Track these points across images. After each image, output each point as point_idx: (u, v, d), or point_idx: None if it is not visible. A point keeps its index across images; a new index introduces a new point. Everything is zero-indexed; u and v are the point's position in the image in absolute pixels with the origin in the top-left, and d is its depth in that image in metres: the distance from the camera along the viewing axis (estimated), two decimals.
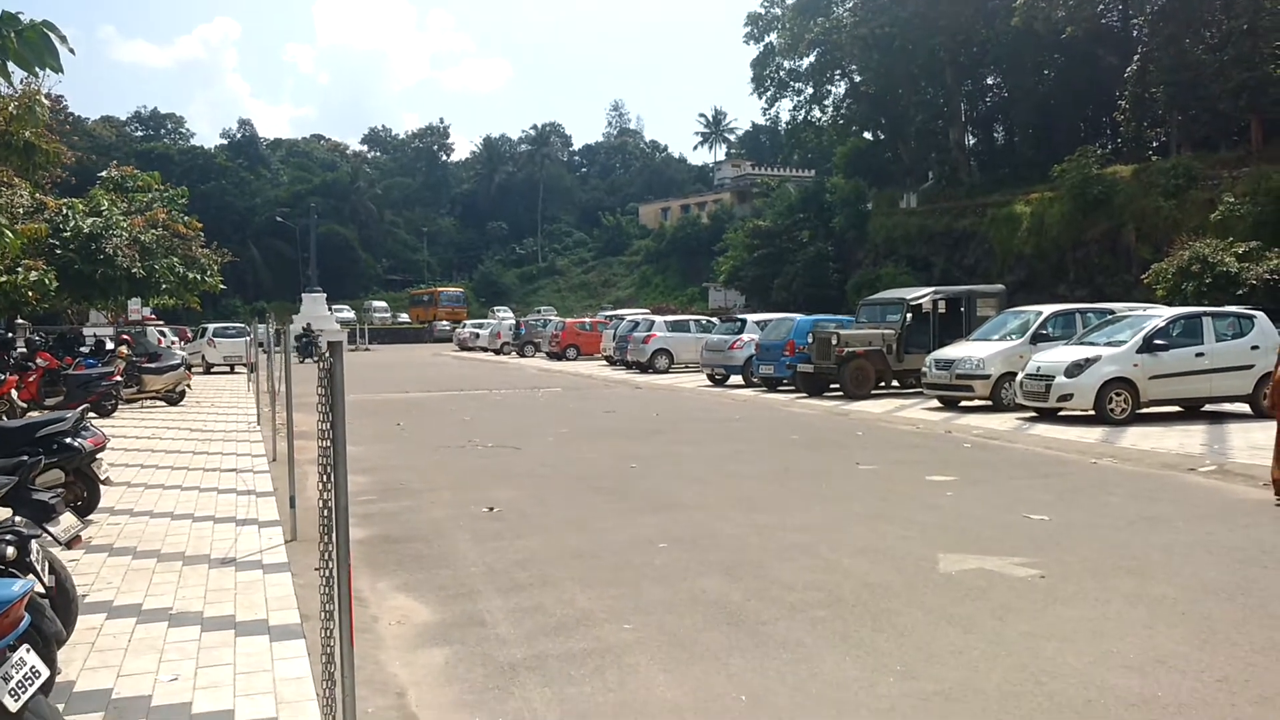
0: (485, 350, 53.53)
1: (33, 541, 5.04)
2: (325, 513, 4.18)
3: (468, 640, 6.17)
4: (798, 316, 26.93)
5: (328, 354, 4.04)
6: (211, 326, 41.78)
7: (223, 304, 67.31)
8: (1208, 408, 17.49)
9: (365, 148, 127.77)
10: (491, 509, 10.28)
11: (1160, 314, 17.86)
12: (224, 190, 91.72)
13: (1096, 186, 39.80)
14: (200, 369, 38.29)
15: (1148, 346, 16.51)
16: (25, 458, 6.14)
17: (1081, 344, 17.64)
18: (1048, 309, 20.68)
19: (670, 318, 38.74)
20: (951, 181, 54.48)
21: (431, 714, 5.05)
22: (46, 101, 11.61)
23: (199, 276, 32.84)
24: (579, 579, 7.46)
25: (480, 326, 58.34)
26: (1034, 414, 17.49)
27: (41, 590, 4.97)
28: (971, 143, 59.14)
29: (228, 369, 39.37)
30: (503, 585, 7.37)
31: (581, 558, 8.16)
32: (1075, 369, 16.50)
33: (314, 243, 65.12)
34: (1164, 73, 39.12)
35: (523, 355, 47.44)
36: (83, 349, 23.88)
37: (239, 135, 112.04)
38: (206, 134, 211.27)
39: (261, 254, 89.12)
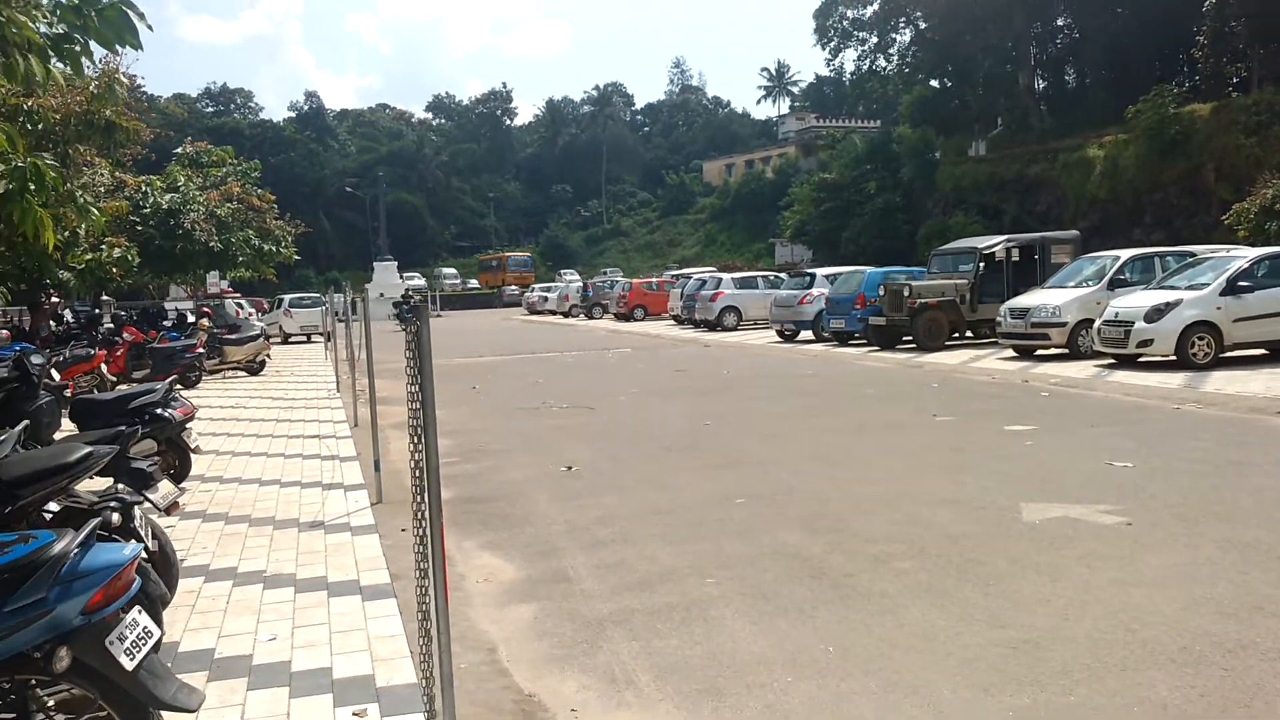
0: (554, 313, 53.84)
1: (136, 508, 5.22)
2: (417, 474, 4.26)
3: (554, 596, 6.28)
4: (868, 269, 26.61)
5: (413, 317, 4.11)
6: (288, 297, 42.49)
7: (297, 275, 68.38)
8: None
9: (430, 115, 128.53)
10: (569, 468, 10.39)
11: (1244, 255, 17.33)
12: (294, 162, 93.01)
13: (1174, 126, 38.56)
14: (278, 339, 38.97)
15: (1231, 289, 16.04)
16: (123, 428, 6.34)
17: (1161, 288, 17.20)
18: (1125, 253, 20.19)
19: (737, 275, 38.54)
20: (1021, 127, 53.17)
21: (524, 668, 5.16)
22: (125, 80, 11.84)
23: (274, 248, 33.44)
24: (659, 535, 7.53)
25: (548, 290, 58.66)
26: (1112, 361, 17.15)
27: (145, 555, 5.15)
28: (1041, 86, 57.61)
29: (304, 338, 40.06)
30: (585, 542, 7.47)
31: (660, 514, 8.22)
32: (1155, 314, 16.12)
33: (383, 211, 65.84)
34: (1245, 4, 37.66)
35: (591, 317, 47.64)
36: (165, 323, 24.52)
37: (306, 107, 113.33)
38: (274, 107, 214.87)
39: (332, 224, 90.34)
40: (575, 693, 4.82)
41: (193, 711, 3.65)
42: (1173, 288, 16.90)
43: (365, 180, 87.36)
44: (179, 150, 34.01)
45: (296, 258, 37.54)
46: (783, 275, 36.78)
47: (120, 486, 5.50)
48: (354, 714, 4.51)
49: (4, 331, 19.35)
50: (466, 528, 8.01)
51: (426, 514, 4.26)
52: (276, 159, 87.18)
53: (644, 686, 4.82)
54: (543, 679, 5.01)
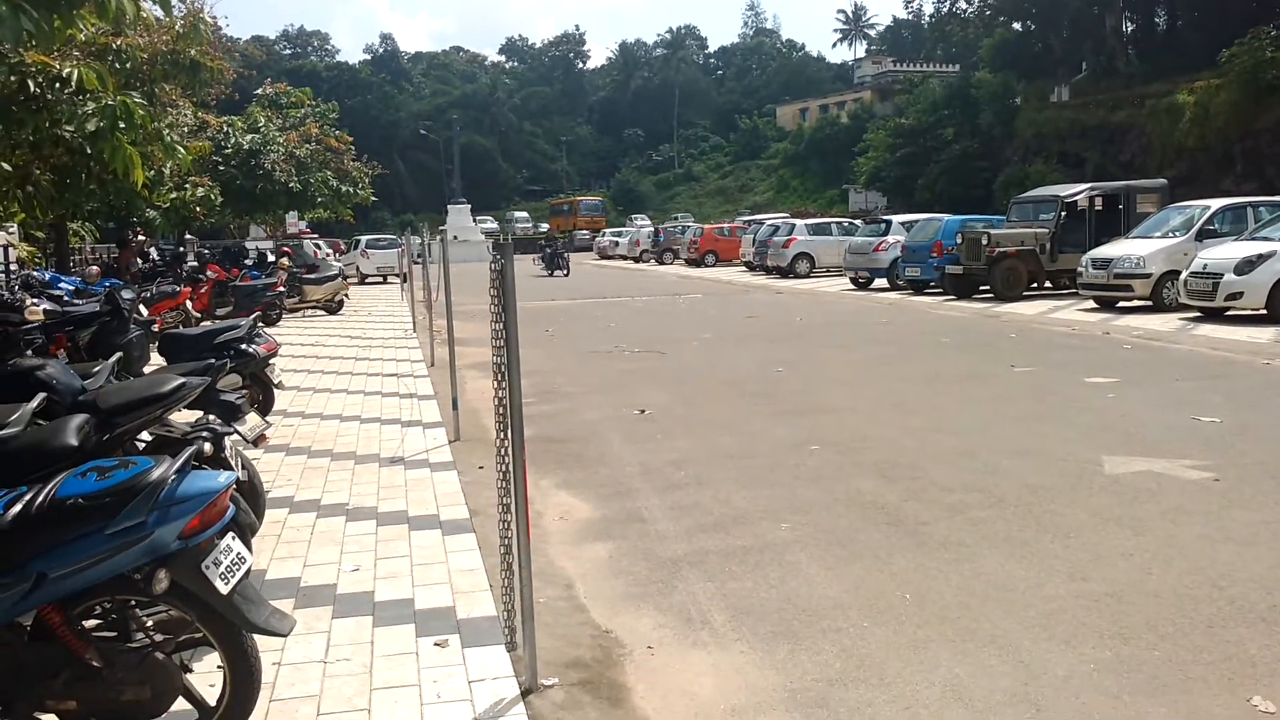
0: (625, 258, 53.81)
1: (226, 439, 5.35)
2: (500, 411, 4.31)
3: (629, 536, 6.34)
4: (945, 216, 26.15)
5: (499, 256, 4.13)
6: (364, 238, 42.98)
7: (373, 216, 69.15)
8: None
9: (502, 58, 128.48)
10: (643, 411, 10.43)
11: None
12: (369, 105, 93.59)
13: (1271, 71, 36.98)
14: (355, 280, 39.55)
15: None
16: (212, 361, 6.49)
17: (1253, 239, 16.67)
18: (1216, 203, 19.54)
19: (811, 221, 38.12)
20: (1107, 72, 51.45)
21: (600, 604, 5.23)
22: (209, 20, 11.97)
23: (351, 189, 33.80)
24: (733, 479, 7.54)
25: (619, 235, 58.61)
26: (1199, 314, 16.71)
27: (236, 485, 5.29)
28: (1129, 29, 55.56)
29: (381, 279, 40.55)
30: (659, 484, 7.51)
31: (733, 458, 8.23)
32: (1246, 266, 15.64)
33: (456, 154, 66.12)
34: None
35: (661, 262, 47.53)
36: (247, 261, 24.97)
37: (381, 50, 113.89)
38: (350, 50, 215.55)
39: (407, 167, 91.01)
40: (651, 630, 4.87)
41: (284, 636, 3.75)
42: (1265, 239, 16.37)
43: (439, 123, 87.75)
44: (259, 91, 34.40)
45: (373, 199, 37.94)
46: (857, 222, 36.28)
47: (211, 418, 5.63)
48: (435, 644, 4.61)
49: (95, 268, 19.89)
50: (543, 466, 8.10)
51: (510, 451, 4.31)
52: (353, 101, 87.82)
53: (719, 627, 4.86)
54: (619, 616, 5.07)
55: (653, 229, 54.96)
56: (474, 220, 62.41)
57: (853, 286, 27.69)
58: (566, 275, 38.73)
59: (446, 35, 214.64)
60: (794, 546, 5.96)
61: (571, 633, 4.86)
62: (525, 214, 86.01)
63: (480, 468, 7.80)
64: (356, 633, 4.76)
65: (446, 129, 76.04)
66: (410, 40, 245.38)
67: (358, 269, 40.11)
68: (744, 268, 38.60)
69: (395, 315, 23.94)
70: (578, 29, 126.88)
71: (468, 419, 9.45)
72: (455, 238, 45.65)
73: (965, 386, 11.46)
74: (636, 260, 51.43)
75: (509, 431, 4.28)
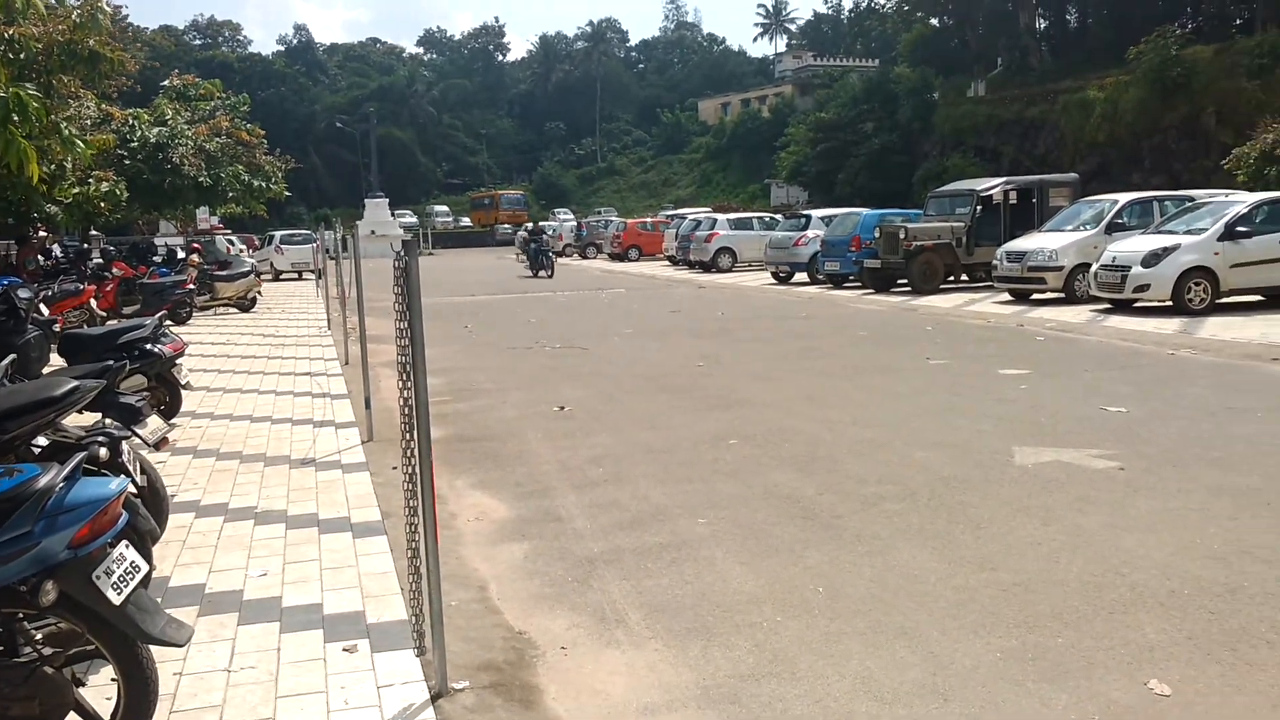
0: None
1: (123, 443, 5.17)
2: (406, 411, 4.23)
3: (545, 535, 6.27)
4: (864, 211, 26.47)
5: (403, 253, 4.05)
6: (279, 234, 42.18)
7: (288, 211, 67.94)
8: None
9: (421, 50, 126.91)
10: (562, 408, 10.36)
11: (1242, 200, 17.23)
12: (283, 97, 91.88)
13: (1175, 68, 38.20)
14: (269, 276, 38.92)
15: (1229, 234, 15.97)
16: (111, 363, 6.28)
17: (1159, 233, 17.13)
18: (1124, 197, 20.05)
19: (733, 215, 38.35)
20: (1021, 68, 52.69)
21: (514, 606, 5.16)
22: (108, 8, 11.59)
23: (264, 184, 33.12)
24: (652, 475, 7.52)
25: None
26: (1109, 305, 17.13)
27: (134, 490, 5.12)
28: (1042, 26, 57.01)
29: (295, 275, 39.86)
30: (577, 482, 7.46)
31: (653, 454, 8.21)
32: (1153, 258, 16.06)
33: (374, 148, 65.15)
34: None
35: (584, 257, 47.44)
36: (155, 258, 24.34)
37: (295, 41, 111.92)
38: (263, 40, 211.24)
39: (323, 161, 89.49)
40: (565, 630, 4.82)
41: (180, 646, 3.64)
42: (1170, 233, 16.84)
43: (355, 116, 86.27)
44: (166, 83, 33.52)
45: (287, 194, 37.25)
46: (778, 216, 36.58)
47: (108, 421, 5.45)
48: (344, 649, 4.52)
49: None
50: (458, 466, 8.00)
51: (416, 451, 4.23)
52: (265, 93, 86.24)
53: (634, 625, 4.83)
54: (533, 617, 5.01)
55: (576, 223, 54.79)
56: (393, 214, 61.58)
57: (774, 281, 27.90)
58: (550, 277, 33.34)
59: (362, 26, 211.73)
60: (710, 542, 5.96)
61: (484, 635, 4.79)
62: (445, 208, 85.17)
63: (394, 468, 7.63)
64: (263, 639, 4.64)
65: (363, 122, 74.86)
66: (325, 31, 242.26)
67: (272, 265, 39.40)
68: (667, 262, 38.69)
69: (310, 312, 23.52)
70: (497, 21, 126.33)
71: (381, 418, 9.29)
72: (372, 232, 45.12)
73: (883, 379, 11.59)
74: (559, 254, 51.26)
75: (415, 432, 4.20)
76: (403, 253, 4.06)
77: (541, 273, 33.92)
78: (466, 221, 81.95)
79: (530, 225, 43.43)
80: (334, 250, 17.70)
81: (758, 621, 4.79)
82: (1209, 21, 42.55)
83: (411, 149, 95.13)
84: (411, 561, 4.38)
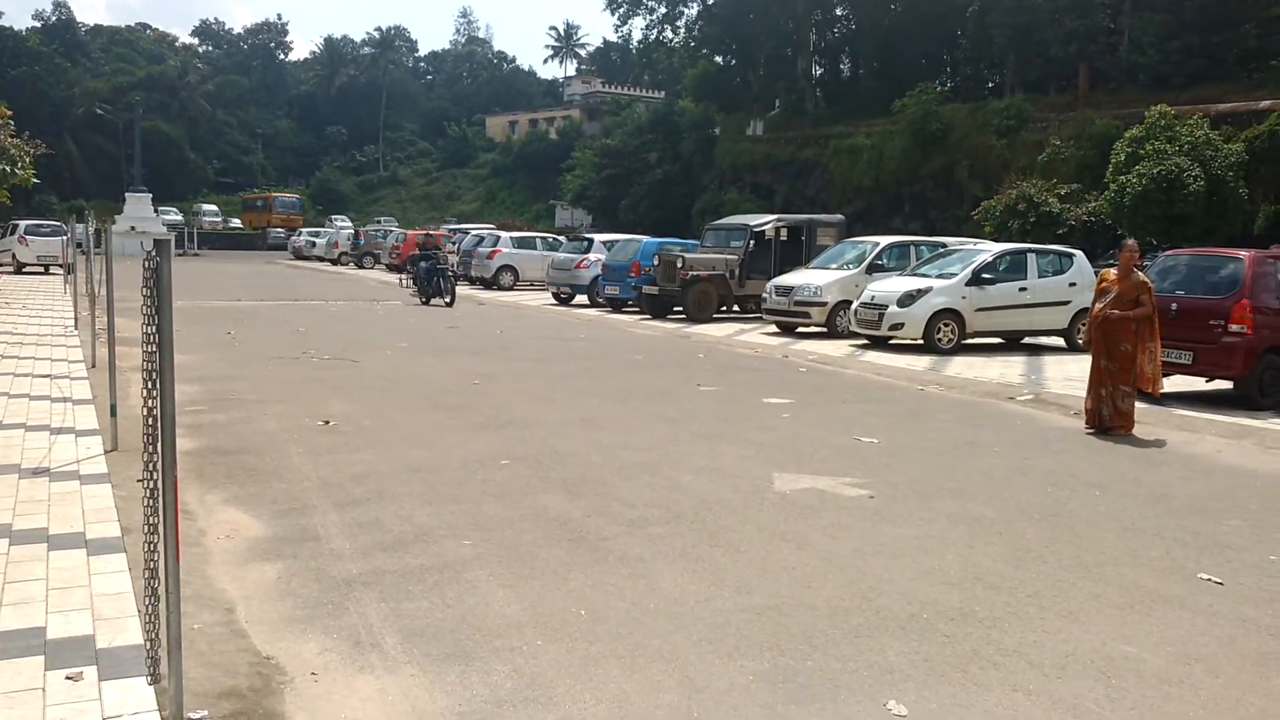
0: (322, 260, 51.95)
1: None
2: (150, 420, 3.96)
3: (301, 555, 6.01)
4: (644, 238, 26.96)
5: (155, 253, 3.79)
6: (23, 223, 39.11)
7: (36, 200, 63.03)
8: (1027, 340, 18.46)
9: (195, 41, 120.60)
10: (327, 422, 10.00)
11: (988, 249, 18.62)
12: (37, 77, 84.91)
13: (935, 123, 41.02)
14: (10, 268, 36.18)
15: (975, 280, 17.20)
16: None
17: (914, 275, 18.25)
18: (884, 240, 21.27)
19: (516, 234, 38.29)
20: (797, 111, 55.19)
21: (262, 629, 4.90)
22: None
23: (8, 169, 30.48)
24: (418, 495, 7.35)
25: (317, 235, 56.43)
26: (867, 341, 18.07)
27: None
28: (818, 73, 59.95)
29: (42, 269, 37.07)
30: (338, 500, 7.19)
31: (420, 473, 8.03)
32: (907, 299, 17.07)
33: (138, 140, 61.17)
34: (1003, 14, 40.40)
35: (361, 267, 46.21)
36: None
37: (54, 19, 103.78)
38: (15, 14, 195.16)
39: (80, 149, 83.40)
40: (317, 655, 4.62)
41: None
42: (924, 275, 17.97)
43: (119, 105, 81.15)
44: None
45: (36, 181, 34.40)
46: (561, 238, 36.77)
47: None
48: (68, 677, 4.16)
49: None
50: (211, 480, 7.57)
51: (159, 462, 3.97)
52: (17, 71, 79.91)
53: (390, 649, 4.68)
54: (282, 641, 4.77)
55: (353, 231, 53.32)
56: (155, 211, 58.09)
57: (555, 302, 27.98)
58: (450, 305, 25.77)
59: (131, 10, 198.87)
60: (474, 564, 5.87)
61: (228, 660, 4.53)
62: (215, 207, 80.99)
63: (139, 480, 7.13)
64: None
65: (128, 111, 70.36)
66: (88, 11, 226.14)
67: (14, 257, 36.71)
68: None
69: (56, 310, 21.85)
70: (280, 18, 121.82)
71: (128, 426, 8.65)
72: (132, 228, 42.46)
73: (655, 403, 11.80)
74: (335, 263, 49.73)
75: (160, 441, 3.94)
76: (154, 251, 3.80)
77: (436, 300, 26.18)
78: (237, 223, 78.35)
79: (423, 236, 35.35)
80: (86, 245, 16.48)
81: (518, 645, 4.74)
82: (966, 82, 45.90)
83: (180, 144, 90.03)
84: (149, 581, 4.09)
